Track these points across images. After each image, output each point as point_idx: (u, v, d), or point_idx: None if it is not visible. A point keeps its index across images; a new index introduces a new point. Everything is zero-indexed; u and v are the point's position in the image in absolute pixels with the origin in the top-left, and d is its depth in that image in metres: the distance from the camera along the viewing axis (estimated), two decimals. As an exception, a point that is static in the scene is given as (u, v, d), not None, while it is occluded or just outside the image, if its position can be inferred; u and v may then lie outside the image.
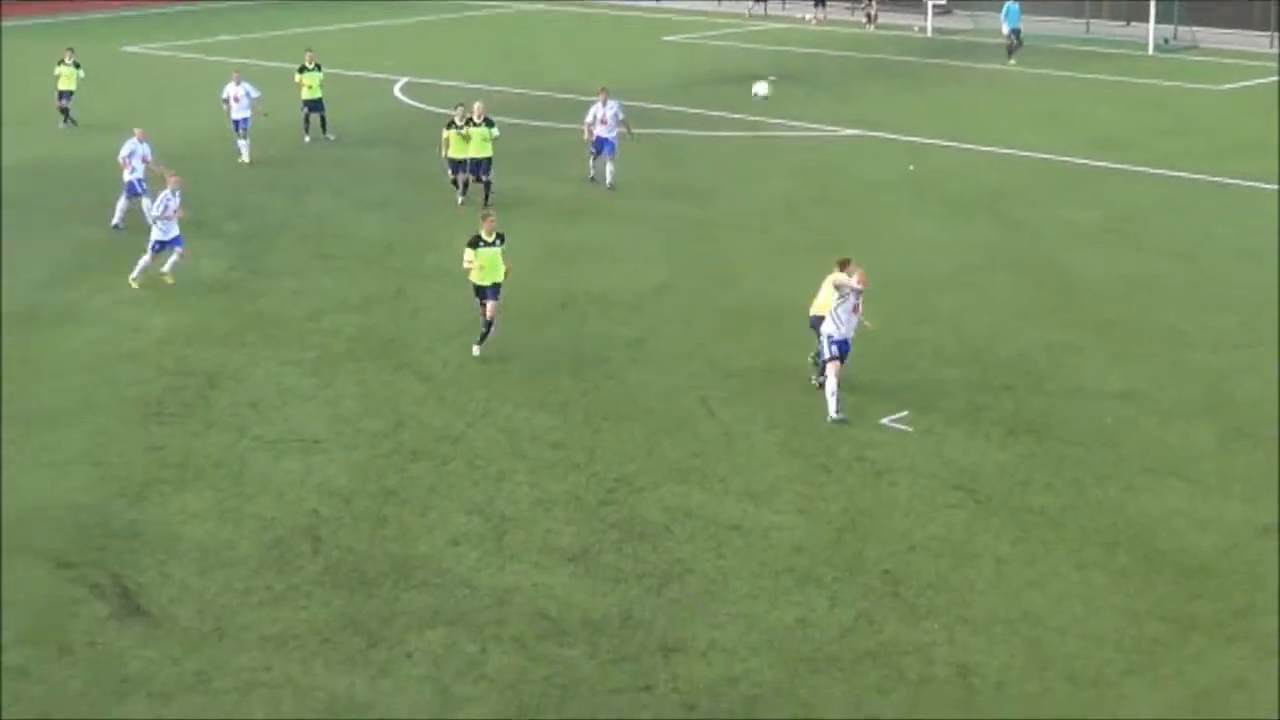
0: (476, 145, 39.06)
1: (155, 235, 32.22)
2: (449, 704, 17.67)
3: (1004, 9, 61.91)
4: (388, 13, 77.81)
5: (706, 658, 18.62)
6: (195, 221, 38.03)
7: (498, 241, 28.19)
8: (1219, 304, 31.73)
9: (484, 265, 28.03)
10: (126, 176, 37.34)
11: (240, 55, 64.45)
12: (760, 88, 46.39)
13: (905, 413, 25.81)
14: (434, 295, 32.54)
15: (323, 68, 47.83)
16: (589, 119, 41.23)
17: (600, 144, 41.09)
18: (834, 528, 21.84)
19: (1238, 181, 41.90)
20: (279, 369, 28.31)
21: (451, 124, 39.27)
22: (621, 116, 41.26)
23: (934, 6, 71.29)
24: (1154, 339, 29.71)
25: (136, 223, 35.74)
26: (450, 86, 56.28)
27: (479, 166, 39.32)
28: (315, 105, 47.37)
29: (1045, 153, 45.30)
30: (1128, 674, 18.22)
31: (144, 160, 37.13)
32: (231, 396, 27.02)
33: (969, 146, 46.51)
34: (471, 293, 28.47)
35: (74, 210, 39.84)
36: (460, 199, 39.29)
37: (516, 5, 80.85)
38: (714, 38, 69.11)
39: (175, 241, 32.35)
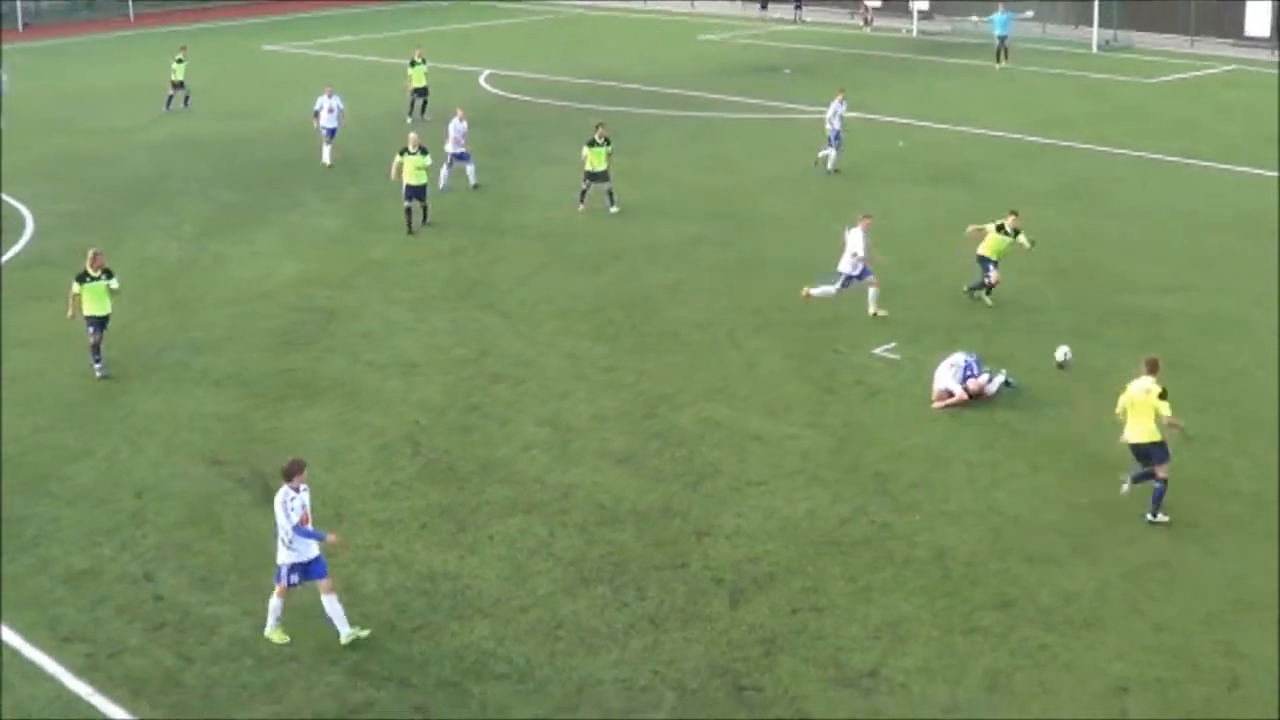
0: (411, 173, 33.16)
1: (844, 270, 26.91)
2: (523, 576, 17.79)
3: (992, 18, 60.65)
4: (482, 14, 77.33)
5: (732, 541, 18.68)
6: (315, 186, 38.19)
7: None
8: (1152, 256, 31.43)
9: None
10: (449, 149, 37.17)
11: (359, 52, 64.21)
12: (1061, 353, 25.56)
13: (894, 344, 25.72)
14: (511, 246, 32.47)
15: (427, 61, 47.60)
16: (830, 113, 38.66)
17: (836, 135, 38.67)
18: (836, 438, 21.83)
19: (1163, 157, 41.42)
20: (385, 306, 28.35)
21: (592, 142, 34.28)
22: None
23: (918, 11, 70.39)
24: (1099, 284, 29.46)
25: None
26: (525, 77, 55.97)
27: (416, 192, 33.44)
28: (420, 92, 47.01)
29: (1009, 132, 44.81)
30: (1072, 554, 18.25)
31: (462, 134, 37.23)
32: (347, 329, 27.10)
33: (947, 126, 46.05)
34: None
35: (217, 179, 39.82)
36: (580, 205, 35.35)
37: (580, 9, 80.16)
38: (741, 37, 68.46)
39: (865, 273, 27.01)
